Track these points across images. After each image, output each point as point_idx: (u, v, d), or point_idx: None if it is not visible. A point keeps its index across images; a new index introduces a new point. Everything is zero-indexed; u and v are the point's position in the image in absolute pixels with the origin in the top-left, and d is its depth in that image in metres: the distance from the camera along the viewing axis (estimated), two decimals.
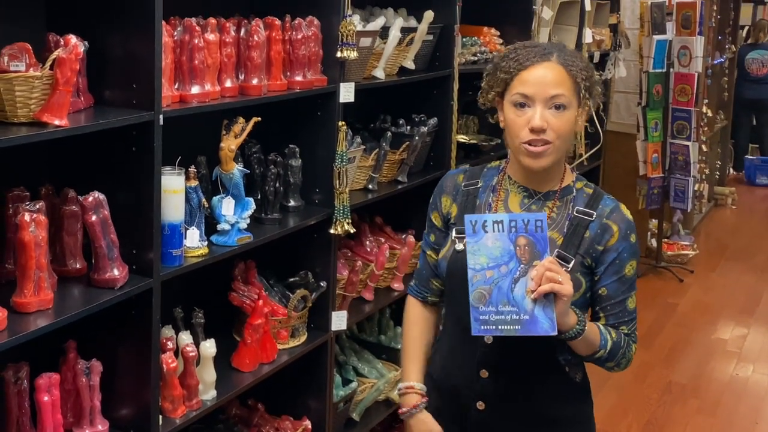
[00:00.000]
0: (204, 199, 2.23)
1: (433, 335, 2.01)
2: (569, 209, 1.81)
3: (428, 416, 1.91)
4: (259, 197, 2.53)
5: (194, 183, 2.19)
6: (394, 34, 2.93)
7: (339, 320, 2.77)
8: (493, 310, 1.67)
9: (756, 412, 4.16)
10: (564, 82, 1.74)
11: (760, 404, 4.25)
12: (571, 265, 1.76)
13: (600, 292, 1.80)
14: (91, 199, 1.92)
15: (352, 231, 2.73)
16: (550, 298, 1.65)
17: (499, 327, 1.67)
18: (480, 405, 1.84)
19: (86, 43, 1.93)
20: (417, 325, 2.00)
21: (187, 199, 2.16)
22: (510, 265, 1.68)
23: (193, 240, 2.18)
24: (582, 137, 4.78)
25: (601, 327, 1.79)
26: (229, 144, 2.32)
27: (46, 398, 1.87)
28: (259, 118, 2.39)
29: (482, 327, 1.68)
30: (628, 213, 1.83)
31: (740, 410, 4.17)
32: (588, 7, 4.55)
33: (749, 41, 9.27)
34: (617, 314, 1.80)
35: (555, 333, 1.66)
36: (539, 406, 1.84)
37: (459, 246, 1.82)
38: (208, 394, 2.30)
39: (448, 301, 1.93)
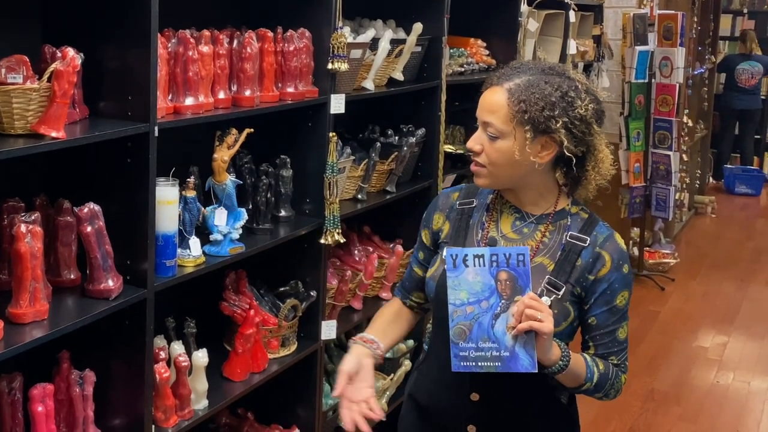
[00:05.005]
0: (203, 209, 2.24)
1: (403, 329, 1.98)
2: (562, 235, 1.78)
3: (364, 350, 1.84)
4: (250, 207, 2.55)
5: (193, 193, 2.21)
6: (384, 46, 2.96)
7: (329, 329, 2.79)
8: (473, 346, 1.65)
9: (737, 419, 4.22)
10: (499, 111, 1.72)
11: (741, 411, 4.31)
12: (561, 293, 1.73)
13: (589, 321, 1.78)
14: (86, 210, 1.93)
15: (342, 241, 2.75)
16: (531, 334, 1.62)
17: (479, 363, 1.65)
18: (471, 429, 1.81)
19: (82, 55, 1.94)
20: (390, 308, 2.00)
21: (188, 209, 2.18)
22: (491, 301, 1.65)
23: (196, 249, 2.20)
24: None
25: (588, 358, 1.76)
26: (222, 155, 2.34)
27: (40, 408, 1.87)
28: (252, 130, 2.41)
29: (462, 363, 1.66)
30: (621, 243, 1.80)
31: (721, 417, 4.23)
32: (572, 18, 4.60)
33: (739, 51, 9.41)
34: (607, 344, 1.78)
35: (535, 371, 1.64)
36: (530, 430, 1.83)
37: None
38: (200, 403, 2.31)
39: (436, 323, 1.87)
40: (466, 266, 1.66)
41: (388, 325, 1.96)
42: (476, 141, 1.76)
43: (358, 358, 1.82)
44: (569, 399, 1.88)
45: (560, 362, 1.68)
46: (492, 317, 1.65)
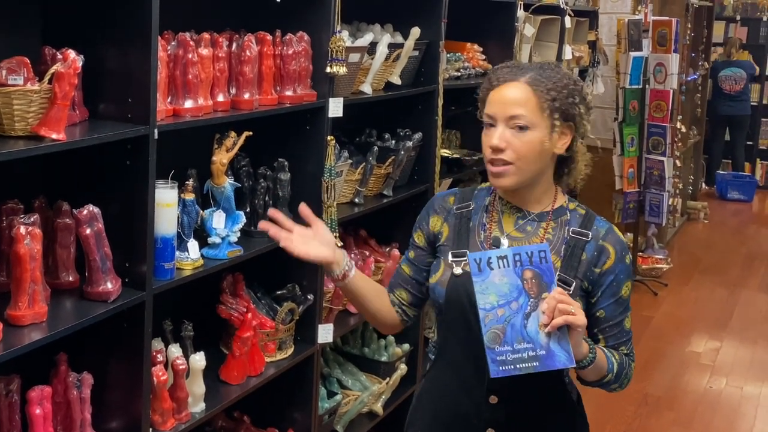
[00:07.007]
0: (202, 212, 2.24)
1: (379, 302, 1.92)
2: (564, 231, 1.79)
3: (341, 253, 1.87)
4: (248, 210, 2.55)
5: (191, 196, 2.21)
6: (382, 50, 2.96)
7: (325, 333, 2.79)
8: (509, 349, 1.62)
9: (730, 425, 4.24)
10: (527, 102, 1.73)
11: (734, 416, 4.32)
12: (572, 288, 1.74)
13: (597, 314, 1.79)
14: (85, 212, 1.92)
15: (339, 245, 2.74)
16: (563, 330, 1.62)
17: (517, 366, 1.62)
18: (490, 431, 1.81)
19: (82, 56, 1.93)
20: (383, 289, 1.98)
21: (186, 212, 2.18)
22: (520, 301, 1.64)
23: (195, 251, 2.20)
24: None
25: (605, 350, 1.78)
26: (221, 158, 2.34)
27: (37, 411, 1.86)
28: (251, 132, 2.41)
29: (500, 368, 1.63)
30: (621, 235, 1.83)
31: (714, 422, 4.24)
32: (568, 24, 4.62)
33: (722, 57, 9.48)
34: (616, 335, 1.81)
35: (573, 365, 1.64)
36: (547, 429, 1.84)
37: (457, 270, 1.79)
38: (197, 406, 2.31)
39: (447, 329, 1.84)
40: (491, 269, 1.65)
41: (374, 285, 1.94)
42: (501, 139, 1.73)
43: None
44: (577, 396, 1.90)
45: (590, 354, 1.69)
46: (523, 317, 1.64)
